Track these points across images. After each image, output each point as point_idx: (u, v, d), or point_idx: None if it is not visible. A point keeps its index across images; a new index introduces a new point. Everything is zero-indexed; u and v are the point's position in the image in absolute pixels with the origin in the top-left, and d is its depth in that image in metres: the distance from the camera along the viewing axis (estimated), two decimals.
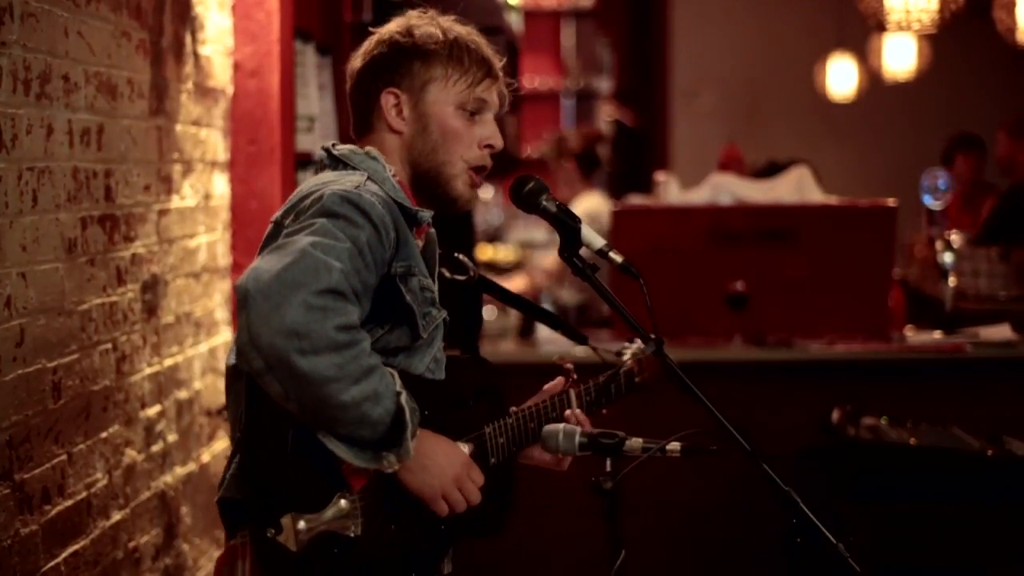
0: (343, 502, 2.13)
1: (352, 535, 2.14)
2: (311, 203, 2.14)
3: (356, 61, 2.35)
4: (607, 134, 9.08)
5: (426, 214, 2.28)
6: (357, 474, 2.14)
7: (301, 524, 2.09)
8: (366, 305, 2.12)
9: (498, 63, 2.34)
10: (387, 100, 2.29)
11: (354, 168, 2.26)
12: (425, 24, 2.31)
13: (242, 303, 2.01)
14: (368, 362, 2.05)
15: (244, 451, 2.18)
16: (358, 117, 2.35)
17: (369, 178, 2.23)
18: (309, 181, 2.26)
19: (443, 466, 2.19)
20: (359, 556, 2.15)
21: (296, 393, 2.02)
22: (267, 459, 2.13)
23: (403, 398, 2.09)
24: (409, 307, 2.19)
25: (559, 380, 2.47)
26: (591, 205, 6.01)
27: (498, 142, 2.33)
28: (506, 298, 2.63)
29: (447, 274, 2.41)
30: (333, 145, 2.32)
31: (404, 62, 2.29)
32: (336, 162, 2.29)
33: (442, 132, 2.29)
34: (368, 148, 2.30)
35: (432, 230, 2.34)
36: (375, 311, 2.16)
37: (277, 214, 2.21)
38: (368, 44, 2.34)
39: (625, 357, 2.57)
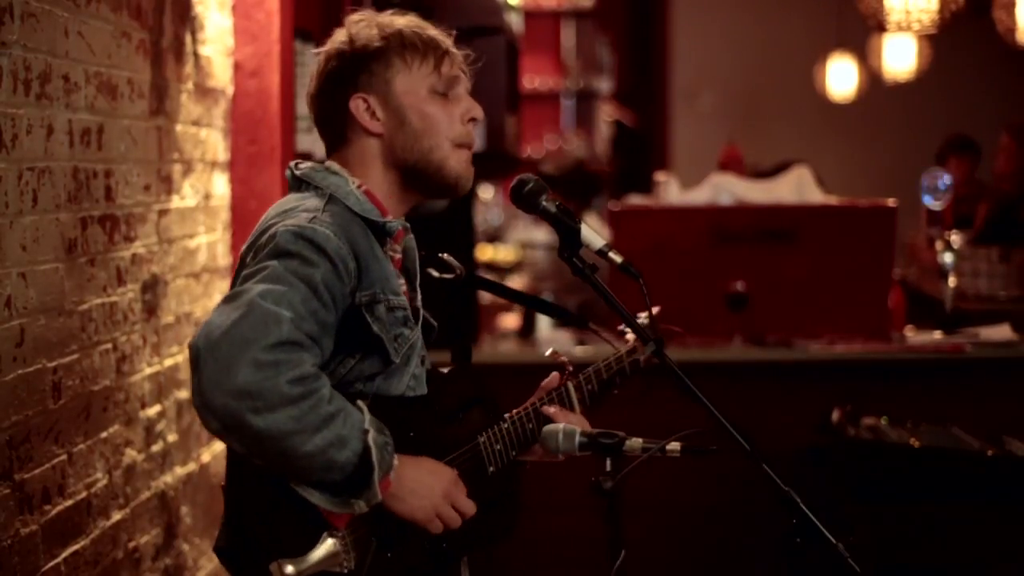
0: (330, 540, 2.10)
1: (345, 571, 2.11)
2: (267, 240, 2.11)
3: (312, 85, 2.31)
4: (598, 132, 9.05)
5: (395, 224, 2.24)
6: (336, 513, 2.11)
7: (289, 569, 2.06)
8: (328, 344, 2.09)
9: (448, 39, 2.30)
10: (357, 106, 2.24)
11: (316, 187, 2.22)
12: (364, 26, 2.27)
13: (194, 364, 1.98)
14: (328, 409, 2.02)
15: (227, 501, 2.18)
16: (330, 134, 2.30)
17: (331, 196, 2.19)
18: (271, 208, 2.22)
19: (431, 485, 2.16)
20: None
21: (258, 450, 2.01)
22: (249, 508, 2.11)
23: (371, 437, 2.06)
24: (377, 337, 2.16)
25: (554, 376, 2.45)
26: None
27: (478, 114, 2.29)
28: (500, 292, 2.61)
29: (435, 274, 2.40)
30: (296, 164, 2.28)
31: (361, 67, 2.24)
32: (298, 183, 2.25)
33: (421, 119, 2.24)
34: (328, 163, 2.26)
35: (411, 236, 2.32)
36: (344, 343, 2.13)
37: (244, 247, 2.18)
38: (319, 65, 2.29)
39: (627, 337, 2.53)
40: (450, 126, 2.26)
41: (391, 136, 2.25)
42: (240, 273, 2.14)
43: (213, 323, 2.00)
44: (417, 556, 2.19)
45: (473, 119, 2.29)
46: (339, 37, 2.29)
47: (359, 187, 2.22)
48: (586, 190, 6.29)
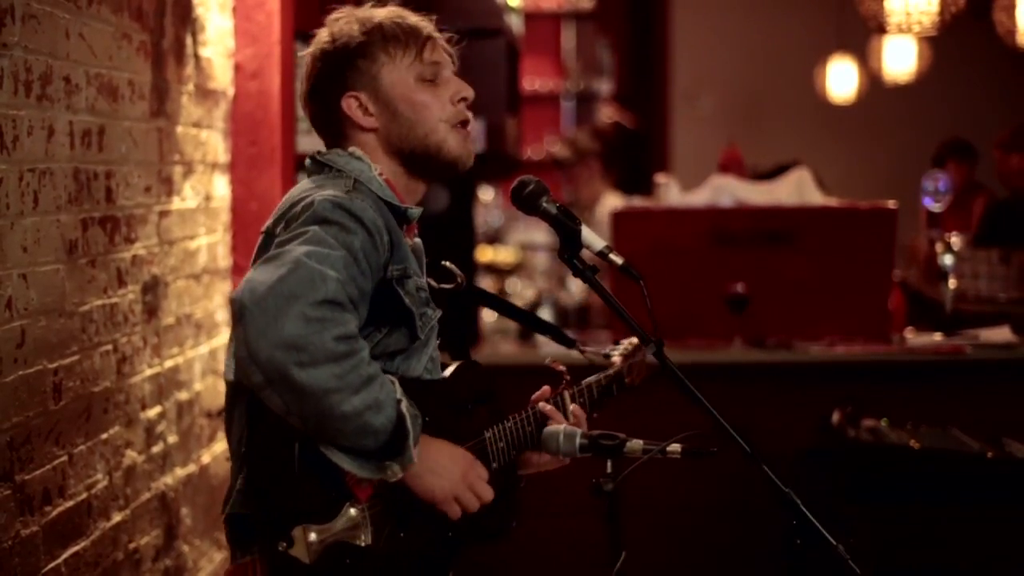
0: (352, 511, 2.12)
1: (363, 544, 2.12)
2: (302, 210, 2.13)
3: (302, 87, 2.34)
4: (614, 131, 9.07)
5: (415, 211, 2.29)
6: (361, 484, 2.12)
7: (312, 535, 2.08)
8: (363, 311, 2.11)
9: (430, 24, 2.33)
10: (349, 104, 2.28)
11: (339, 171, 2.25)
12: (344, 23, 2.30)
13: (238, 317, 1.99)
14: (368, 371, 2.04)
15: (250, 466, 2.17)
16: (328, 134, 2.33)
17: (356, 180, 2.22)
18: (296, 188, 2.25)
19: (450, 467, 2.18)
20: (371, 565, 2.14)
21: (297, 406, 2.01)
22: (274, 474, 2.11)
23: (404, 405, 2.08)
24: (408, 310, 2.19)
25: (545, 388, 2.47)
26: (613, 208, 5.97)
27: (468, 93, 2.32)
28: (494, 305, 2.65)
29: (435, 284, 2.42)
30: (317, 152, 2.31)
31: (346, 65, 2.28)
32: (321, 167, 2.28)
33: (412, 108, 2.27)
34: (352, 148, 2.29)
35: (419, 239, 2.34)
36: (373, 315, 2.15)
37: (268, 223, 2.20)
38: (306, 67, 2.33)
39: (613, 358, 2.59)
40: (442, 109, 2.29)
41: (387, 129, 2.29)
42: (269, 244, 2.13)
43: (256, 279, 2.01)
44: (424, 540, 2.21)
45: (464, 99, 2.32)
46: (322, 37, 2.32)
47: (379, 174, 2.26)
48: (616, 157, 6.33)
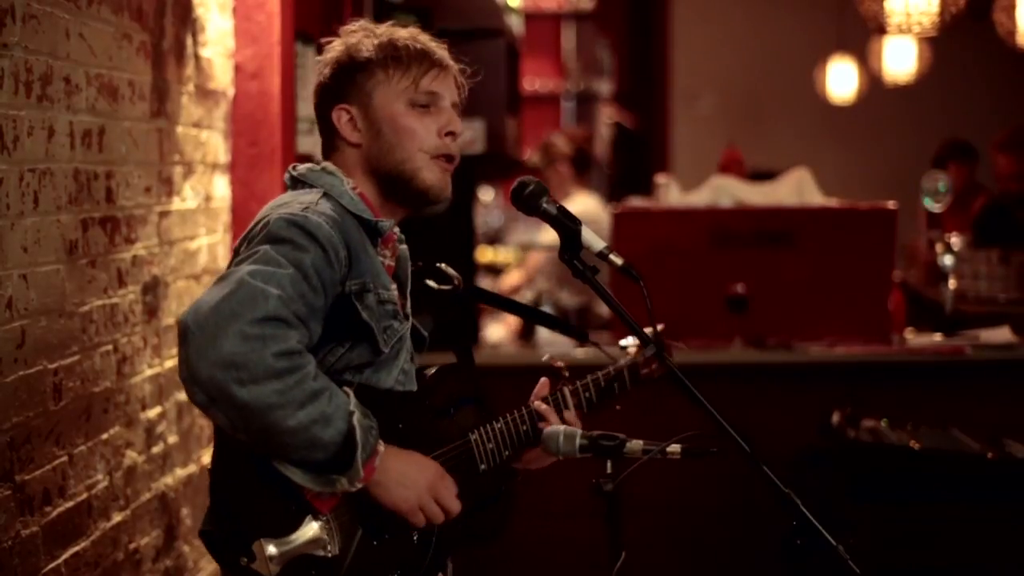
0: (314, 524, 2.12)
1: (329, 555, 2.13)
2: (260, 229, 2.16)
3: (313, 91, 2.38)
4: (598, 134, 9.08)
5: (386, 224, 2.28)
6: (322, 496, 2.13)
7: (271, 549, 2.09)
8: (316, 328, 2.12)
9: (443, 52, 2.33)
10: (339, 117, 2.31)
11: (311, 186, 2.27)
12: (359, 36, 2.32)
13: (181, 337, 2.01)
14: (312, 386, 2.04)
15: (213, 482, 2.19)
16: (324, 140, 2.37)
17: (325, 194, 2.23)
18: (267, 204, 2.27)
19: (416, 478, 2.18)
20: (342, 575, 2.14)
21: (242, 423, 2.02)
22: (235, 489, 2.14)
23: (356, 418, 2.08)
24: (366, 324, 2.19)
25: (544, 381, 2.46)
26: (583, 207, 6.02)
27: (456, 127, 2.32)
28: (501, 304, 2.64)
29: (434, 285, 2.42)
30: (294, 167, 2.33)
31: (346, 78, 2.30)
32: (295, 182, 2.31)
33: (394, 131, 2.28)
34: (324, 164, 2.31)
35: (404, 247, 2.35)
36: (334, 330, 2.16)
37: (239, 240, 2.22)
38: (317, 73, 2.36)
39: (628, 350, 2.56)
40: (425, 139, 2.29)
41: (368, 147, 2.30)
42: (233, 261, 2.17)
43: (202, 300, 2.04)
44: (405, 548, 2.20)
45: (451, 133, 2.31)
46: (335, 46, 2.34)
47: (353, 188, 2.27)
48: (586, 162, 6.38)
